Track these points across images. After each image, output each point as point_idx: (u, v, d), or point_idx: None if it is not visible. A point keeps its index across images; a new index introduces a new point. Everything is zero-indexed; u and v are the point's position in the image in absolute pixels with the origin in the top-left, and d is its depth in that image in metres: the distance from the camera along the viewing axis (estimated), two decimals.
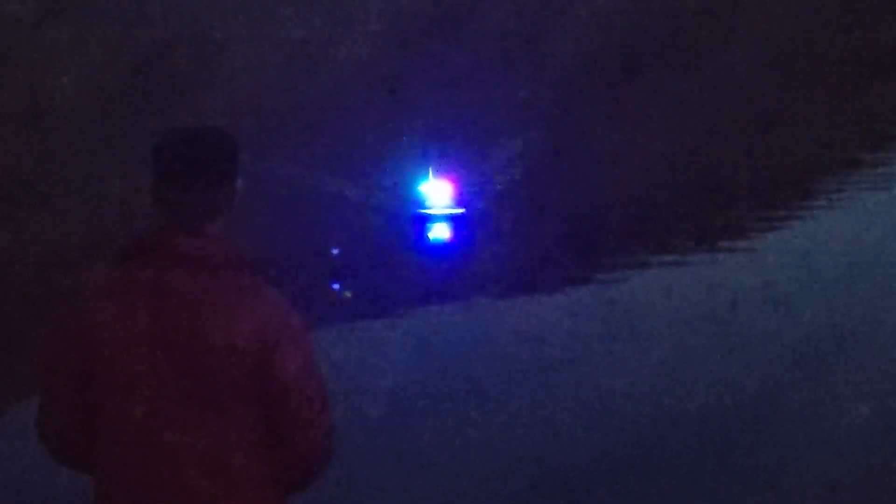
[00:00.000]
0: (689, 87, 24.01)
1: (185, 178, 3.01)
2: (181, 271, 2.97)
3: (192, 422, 2.96)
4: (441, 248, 13.63)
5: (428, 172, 15.60)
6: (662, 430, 8.14)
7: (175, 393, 2.95)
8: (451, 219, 14.80)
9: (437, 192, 15.06)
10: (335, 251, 12.61)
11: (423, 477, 7.46)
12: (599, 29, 30.16)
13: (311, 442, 3.04)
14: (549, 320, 10.45)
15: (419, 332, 10.15)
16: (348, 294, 10.27)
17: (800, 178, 16.37)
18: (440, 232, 14.45)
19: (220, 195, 3.07)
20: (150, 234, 3.03)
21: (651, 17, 30.17)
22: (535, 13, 31.40)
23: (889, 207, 14.35)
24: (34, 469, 7.46)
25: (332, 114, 22.11)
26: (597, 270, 12.22)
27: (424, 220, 14.81)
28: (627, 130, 20.28)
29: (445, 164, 16.74)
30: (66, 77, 25.07)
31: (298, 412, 3.00)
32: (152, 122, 20.80)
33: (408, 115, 22.35)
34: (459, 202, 15.09)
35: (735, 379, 9.01)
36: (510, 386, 8.99)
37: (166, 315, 2.95)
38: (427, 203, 15.00)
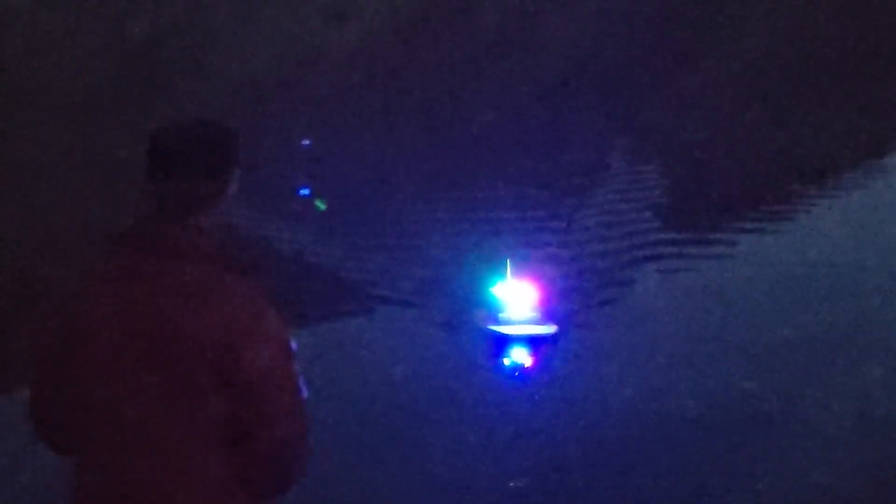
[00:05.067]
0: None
1: (176, 167, 3.01)
2: (160, 260, 2.99)
3: (157, 412, 2.94)
4: (520, 379, 10.16)
5: (504, 269, 11.20)
6: None
7: (143, 382, 2.95)
8: (536, 340, 10.68)
9: (515, 298, 10.89)
10: (306, 142, 11.19)
11: None
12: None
13: (277, 443, 3.00)
14: None
15: None
16: (321, 205, 9.04)
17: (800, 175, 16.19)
18: (519, 357, 10.54)
19: (211, 186, 3.06)
20: (136, 223, 3.06)
21: (656, 15, 29.79)
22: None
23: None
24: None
25: (330, 110, 20.70)
26: None
27: (497, 340, 10.73)
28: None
29: (530, 258, 12.37)
30: (61, 65, 25.46)
31: (265, 411, 2.96)
32: (145, 111, 21.17)
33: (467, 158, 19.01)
34: (548, 315, 10.89)
35: None
36: None
37: (139, 303, 2.97)
38: (501, 314, 10.88)
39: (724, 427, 8.35)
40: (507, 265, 11.18)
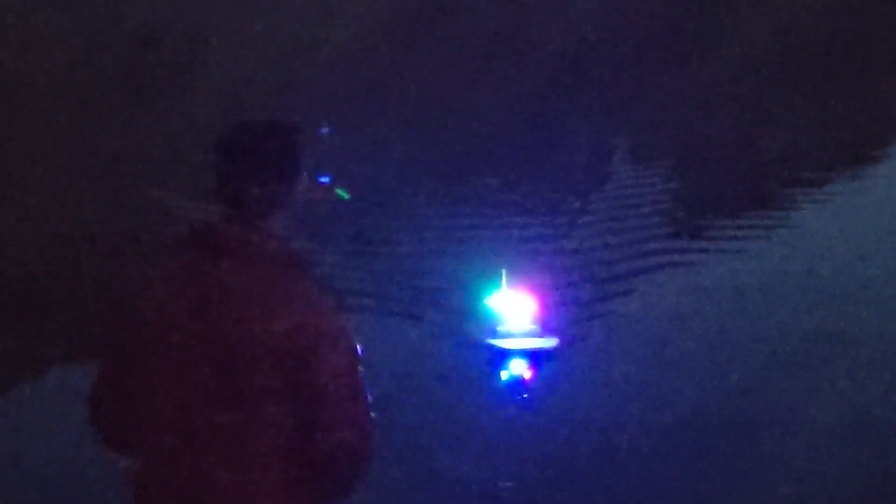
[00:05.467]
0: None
1: (246, 170, 3.05)
2: (229, 262, 3.00)
3: (223, 413, 2.95)
4: (518, 394, 10.12)
5: (500, 279, 10.71)
6: None
7: (209, 385, 2.95)
8: (536, 354, 10.24)
9: (513, 310, 10.41)
10: (325, 129, 10.91)
11: None
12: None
13: (343, 447, 3.00)
14: None
15: None
16: (344, 194, 8.46)
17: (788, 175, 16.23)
18: (518, 370, 10.19)
19: (281, 189, 3.08)
20: (205, 224, 3.13)
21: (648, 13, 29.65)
22: None
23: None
24: None
25: (325, 109, 20.41)
26: None
27: (493, 354, 10.28)
28: None
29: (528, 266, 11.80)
30: (54, 65, 25.32)
31: (331, 416, 2.98)
32: (139, 108, 21.23)
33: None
34: (548, 327, 10.39)
35: None
36: None
37: (209, 305, 2.98)
38: (498, 327, 10.41)
39: (725, 430, 8.37)
40: (503, 274, 10.70)
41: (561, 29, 29.59)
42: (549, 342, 10.27)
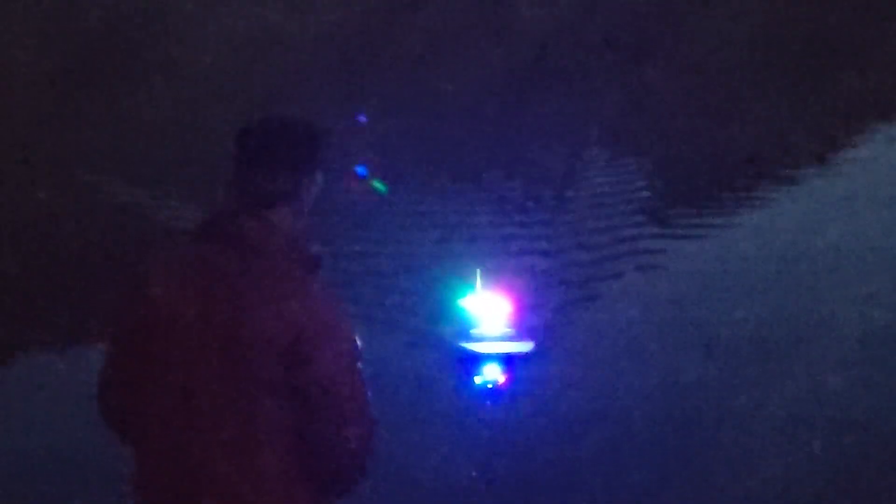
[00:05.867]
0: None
1: (261, 162, 3.10)
2: (236, 253, 3.04)
3: (224, 403, 2.99)
4: (492, 399, 9.73)
5: (474, 280, 10.30)
6: None
7: (212, 372, 2.99)
8: (510, 359, 9.86)
9: (488, 312, 10.03)
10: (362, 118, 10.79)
11: None
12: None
13: (342, 442, 3.02)
14: None
15: None
16: (382, 187, 8.51)
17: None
18: (492, 375, 9.83)
19: (293, 183, 3.10)
20: (215, 215, 3.13)
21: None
22: None
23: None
24: None
25: (295, 100, 20.26)
26: None
27: (468, 358, 9.89)
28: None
29: (503, 266, 11.41)
30: (19, 51, 25.53)
31: (332, 411, 3.00)
32: (103, 100, 21.02)
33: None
34: (524, 330, 10.03)
35: None
36: None
37: (213, 295, 3.02)
38: (471, 330, 10.03)
39: (703, 424, 8.40)
40: (477, 275, 10.32)
41: (535, 22, 29.54)
42: (524, 346, 9.92)
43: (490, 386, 9.87)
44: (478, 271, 10.36)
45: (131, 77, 23.66)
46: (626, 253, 12.37)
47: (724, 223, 13.81)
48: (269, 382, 2.96)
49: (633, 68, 24.46)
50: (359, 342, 3.10)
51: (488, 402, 9.77)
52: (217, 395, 2.98)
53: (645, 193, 14.96)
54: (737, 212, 14.26)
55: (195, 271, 3.07)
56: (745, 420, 8.48)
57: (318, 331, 2.98)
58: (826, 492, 7.35)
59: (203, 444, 2.99)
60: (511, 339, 9.99)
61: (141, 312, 3.11)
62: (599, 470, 7.90)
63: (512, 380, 9.85)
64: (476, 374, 9.87)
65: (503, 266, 11.35)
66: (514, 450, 8.40)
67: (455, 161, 17.01)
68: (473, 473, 7.91)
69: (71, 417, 8.08)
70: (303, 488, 3.06)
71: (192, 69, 24.90)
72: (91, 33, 27.67)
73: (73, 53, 25.86)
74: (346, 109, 18.64)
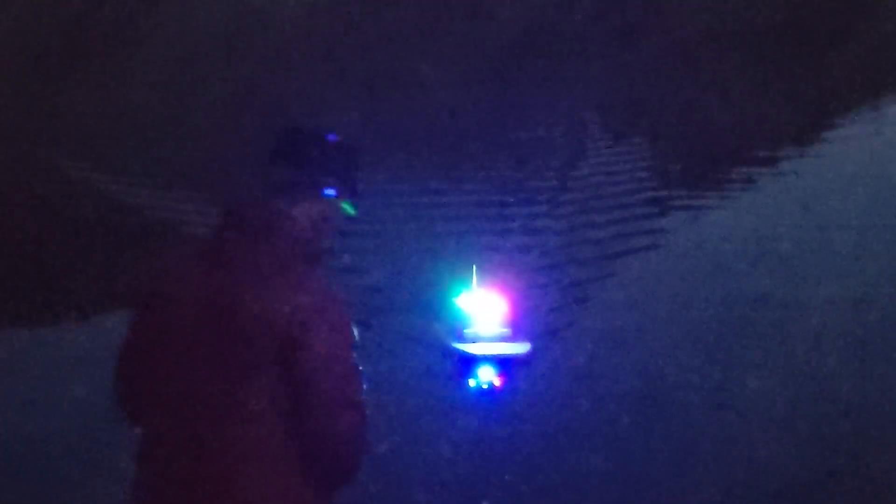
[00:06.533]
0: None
1: (289, 162, 3.28)
2: (247, 240, 3.20)
3: (222, 388, 3.10)
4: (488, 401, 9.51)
5: (470, 275, 9.93)
6: None
7: (211, 356, 3.11)
8: (506, 361, 9.53)
9: (483, 311, 9.66)
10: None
11: None
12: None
13: (334, 428, 3.11)
14: None
15: None
16: (350, 209, 6.21)
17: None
18: (486, 376, 9.52)
19: (313, 186, 3.28)
20: (237, 203, 3.31)
21: None
22: None
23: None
24: None
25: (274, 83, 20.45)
26: None
27: (462, 359, 9.56)
28: None
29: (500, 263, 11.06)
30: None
31: (324, 396, 3.09)
32: (86, 74, 21.02)
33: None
34: (519, 331, 9.66)
35: None
36: None
37: (218, 278, 3.16)
38: (466, 330, 9.65)
39: (695, 421, 8.41)
40: (473, 272, 9.95)
41: (520, 3, 29.26)
42: (520, 348, 9.57)
43: (485, 388, 9.54)
44: (473, 267, 10.01)
45: (113, 60, 23.47)
46: (626, 252, 12.11)
47: (721, 206, 13.82)
48: (265, 368, 3.06)
49: (620, 51, 24.45)
50: (355, 333, 3.19)
51: (483, 405, 9.43)
52: (216, 377, 3.08)
53: (645, 183, 14.82)
54: (730, 194, 14.26)
55: (206, 254, 3.24)
56: (747, 411, 8.44)
57: (313, 317, 3.07)
58: (818, 475, 7.42)
59: (204, 427, 3.08)
60: (507, 339, 9.63)
61: (155, 296, 3.26)
62: (597, 470, 7.80)
63: (507, 384, 9.52)
64: (470, 377, 9.52)
65: (500, 262, 11.04)
66: (510, 456, 8.19)
67: (445, 150, 16.74)
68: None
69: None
70: (300, 479, 3.13)
71: (169, 47, 24.77)
72: (72, 16, 27.44)
73: (52, 32, 25.63)
74: (330, 94, 18.59)
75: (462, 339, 9.65)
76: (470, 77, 21.63)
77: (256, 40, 25.96)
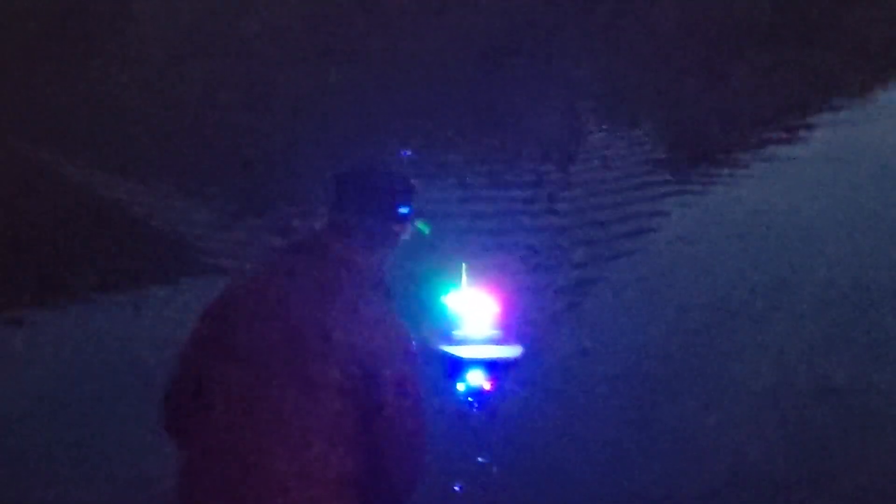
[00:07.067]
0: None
1: (359, 207, 3.52)
2: (323, 270, 3.37)
3: (291, 410, 3.20)
4: (477, 406, 9.17)
5: (460, 273, 9.58)
6: None
7: (282, 379, 3.21)
8: (496, 365, 9.21)
9: (473, 312, 9.30)
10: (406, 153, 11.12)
11: None
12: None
13: (400, 453, 3.28)
14: None
15: None
16: (425, 228, 6.99)
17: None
18: (476, 380, 9.20)
19: (388, 226, 3.56)
20: (313, 235, 3.51)
21: None
22: None
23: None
24: None
25: (260, 77, 20.11)
26: None
27: (450, 363, 9.19)
28: None
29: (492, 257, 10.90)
30: None
31: (394, 421, 3.27)
32: (73, 70, 20.84)
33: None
34: (511, 333, 9.34)
35: None
36: None
37: (294, 303, 3.32)
38: (455, 332, 9.29)
39: (697, 420, 8.41)
40: (462, 270, 9.58)
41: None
42: (512, 351, 9.23)
43: (473, 394, 9.22)
44: (463, 266, 9.62)
45: (91, 45, 23.37)
46: (626, 252, 11.91)
47: (722, 205, 13.72)
48: (338, 391, 3.20)
49: (611, 33, 24.39)
50: (419, 364, 3.42)
51: (472, 411, 9.13)
52: (284, 400, 3.19)
53: (643, 181, 14.56)
54: (729, 193, 14.14)
55: (282, 281, 3.36)
56: (748, 411, 8.40)
57: (387, 347, 3.28)
58: (815, 469, 7.46)
59: (266, 447, 3.16)
60: (497, 342, 9.26)
61: (223, 315, 3.36)
62: (590, 475, 7.81)
63: (497, 389, 9.22)
64: (458, 382, 9.17)
65: (491, 260, 10.85)
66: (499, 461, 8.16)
67: (434, 145, 16.42)
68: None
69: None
70: (358, 497, 3.27)
71: (155, 38, 24.62)
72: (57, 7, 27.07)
73: (37, 27, 25.19)
74: (319, 88, 18.51)
75: (450, 341, 9.27)
76: (458, 73, 21.42)
77: (243, 20, 25.83)
